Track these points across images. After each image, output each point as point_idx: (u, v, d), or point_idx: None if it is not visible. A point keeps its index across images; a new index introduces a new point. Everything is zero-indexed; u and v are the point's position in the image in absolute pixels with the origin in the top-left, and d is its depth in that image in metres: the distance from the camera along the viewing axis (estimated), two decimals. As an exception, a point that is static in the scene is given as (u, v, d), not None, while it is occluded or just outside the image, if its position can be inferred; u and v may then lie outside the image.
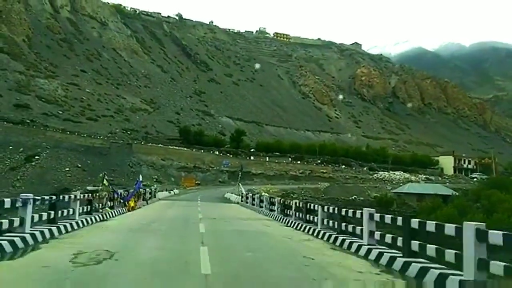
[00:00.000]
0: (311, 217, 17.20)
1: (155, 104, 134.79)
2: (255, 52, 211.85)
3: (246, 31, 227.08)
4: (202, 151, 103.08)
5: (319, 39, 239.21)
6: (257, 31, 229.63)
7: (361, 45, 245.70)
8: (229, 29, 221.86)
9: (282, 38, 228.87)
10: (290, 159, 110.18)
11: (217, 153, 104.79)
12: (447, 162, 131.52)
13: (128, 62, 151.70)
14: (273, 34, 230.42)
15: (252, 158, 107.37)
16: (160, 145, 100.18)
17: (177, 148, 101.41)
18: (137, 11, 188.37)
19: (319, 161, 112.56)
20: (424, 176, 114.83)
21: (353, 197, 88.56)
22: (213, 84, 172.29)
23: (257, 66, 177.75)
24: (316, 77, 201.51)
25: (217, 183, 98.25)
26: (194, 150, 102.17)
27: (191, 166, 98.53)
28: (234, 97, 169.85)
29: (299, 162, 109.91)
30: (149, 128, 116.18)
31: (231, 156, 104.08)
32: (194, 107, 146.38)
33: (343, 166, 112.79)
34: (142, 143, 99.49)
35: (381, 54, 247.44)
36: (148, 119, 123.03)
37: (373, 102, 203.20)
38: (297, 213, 19.26)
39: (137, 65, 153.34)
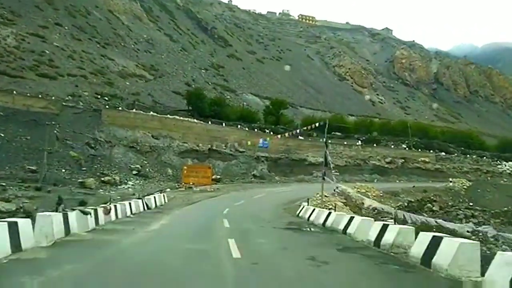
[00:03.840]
0: None
1: (157, 71, 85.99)
2: (279, 32, 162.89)
3: (268, 12, 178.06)
4: (224, 124, 53.96)
5: (347, 23, 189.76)
6: (280, 13, 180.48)
7: (392, 30, 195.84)
8: (250, 10, 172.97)
9: (307, 21, 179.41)
10: (360, 141, 60.94)
11: (246, 129, 55.63)
12: None
13: (127, 26, 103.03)
14: (298, 16, 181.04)
15: (301, 138, 57.94)
16: (151, 113, 51.09)
17: (182, 119, 52.26)
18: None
19: (404, 146, 63.28)
20: None
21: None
22: (233, 60, 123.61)
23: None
24: (352, 59, 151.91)
25: (250, 178, 49.17)
26: (210, 123, 53.15)
27: (205, 150, 49.17)
28: (259, 75, 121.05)
29: (374, 145, 60.82)
30: (143, 97, 67.42)
31: (271, 133, 55.20)
32: (211, 81, 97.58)
33: (443, 154, 63.39)
34: (120, 108, 50.56)
35: (414, 41, 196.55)
36: (145, 86, 74.32)
37: (416, 87, 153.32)
38: None
39: (139, 30, 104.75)
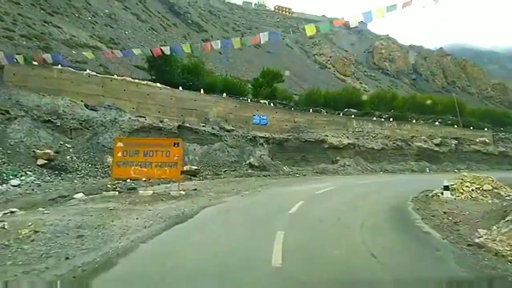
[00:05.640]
0: None
1: (117, 45, 65.06)
2: (256, 22, 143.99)
3: (244, 2, 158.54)
4: (202, 91, 34.20)
5: (323, 16, 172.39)
6: (255, 4, 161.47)
7: (366, 24, 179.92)
8: (225, 0, 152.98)
9: (284, 12, 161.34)
10: (383, 119, 42.25)
11: (235, 99, 36.01)
12: None
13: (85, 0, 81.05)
14: (274, 7, 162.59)
15: (310, 111, 38.67)
16: (87, 71, 30.86)
17: (137, 81, 32.06)
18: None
19: (437, 122, 45.51)
20: None
21: None
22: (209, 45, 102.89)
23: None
24: (332, 48, 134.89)
25: (244, 170, 28.79)
26: (181, 89, 33.40)
27: (173, 127, 28.96)
28: (238, 60, 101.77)
29: (414, 121, 42.37)
30: (92, 67, 46.37)
31: (271, 104, 35.99)
32: (185, 61, 76.80)
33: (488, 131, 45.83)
34: (35, 63, 30.03)
35: (388, 35, 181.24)
36: (99, 58, 53.47)
37: (397, 77, 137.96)
38: None
39: (99, 5, 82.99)
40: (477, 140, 40.76)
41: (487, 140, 41.63)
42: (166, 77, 37.85)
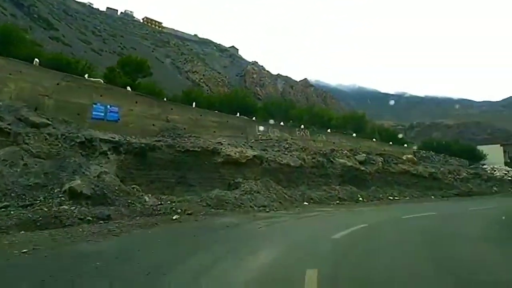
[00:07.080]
0: None
1: None
2: (121, 30, 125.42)
3: (108, 9, 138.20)
4: None
5: (195, 35, 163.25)
6: (122, 12, 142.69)
7: (238, 49, 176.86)
8: (86, 2, 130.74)
9: (153, 25, 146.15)
10: (301, 126, 30.82)
11: (59, 75, 20.29)
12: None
13: None
14: (143, 19, 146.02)
15: (193, 105, 24.82)
16: None
17: None
18: None
19: (354, 134, 36.86)
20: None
21: None
22: (59, 43, 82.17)
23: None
24: (205, 67, 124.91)
25: (54, 204, 12.64)
26: None
27: None
28: (96, 66, 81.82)
29: (328, 130, 32.41)
30: None
31: (127, 88, 21.25)
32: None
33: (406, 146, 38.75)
34: None
35: (256, 62, 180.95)
36: None
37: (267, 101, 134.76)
38: None
39: None
40: (404, 158, 33.06)
41: (415, 159, 34.51)
42: None
